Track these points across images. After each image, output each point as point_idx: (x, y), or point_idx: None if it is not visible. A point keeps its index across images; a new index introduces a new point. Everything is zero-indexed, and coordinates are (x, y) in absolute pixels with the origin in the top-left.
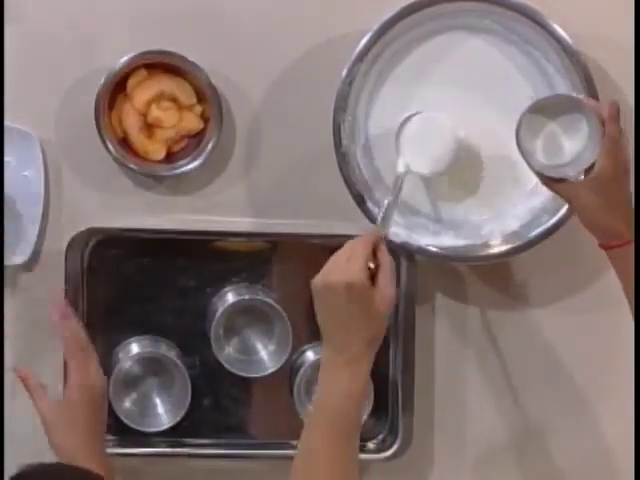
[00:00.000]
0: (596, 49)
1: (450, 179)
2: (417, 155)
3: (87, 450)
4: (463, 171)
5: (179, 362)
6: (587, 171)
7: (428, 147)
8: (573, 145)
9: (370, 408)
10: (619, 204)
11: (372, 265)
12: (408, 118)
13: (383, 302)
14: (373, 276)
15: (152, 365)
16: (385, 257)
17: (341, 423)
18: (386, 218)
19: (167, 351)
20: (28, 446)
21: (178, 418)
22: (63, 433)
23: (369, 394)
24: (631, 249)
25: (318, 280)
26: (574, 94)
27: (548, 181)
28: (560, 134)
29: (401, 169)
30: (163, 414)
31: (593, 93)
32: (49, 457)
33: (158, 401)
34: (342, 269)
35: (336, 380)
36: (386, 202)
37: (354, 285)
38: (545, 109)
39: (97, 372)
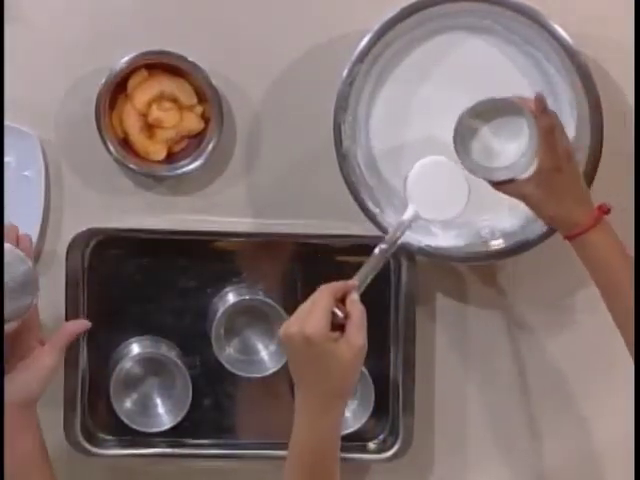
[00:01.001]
0: (596, 49)
1: None
2: (429, 202)
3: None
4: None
5: (180, 362)
6: (529, 167)
7: (440, 193)
8: (516, 146)
9: (371, 408)
10: (570, 192)
11: (340, 314)
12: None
13: (351, 351)
14: (344, 325)
15: (153, 365)
16: (354, 306)
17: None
18: (367, 271)
19: (168, 351)
20: None
21: (179, 418)
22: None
23: (369, 398)
24: (594, 234)
25: (281, 329)
26: (507, 97)
27: (497, 185)
28: (500, 136)
29: (408, 216)
30: (164, 414)
31: (594, 93)
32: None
33: (159, 401)
34: (301, 320)
35: (300, 426)
36: (377, 250)
37: (311, 337)
38: (484, 114)
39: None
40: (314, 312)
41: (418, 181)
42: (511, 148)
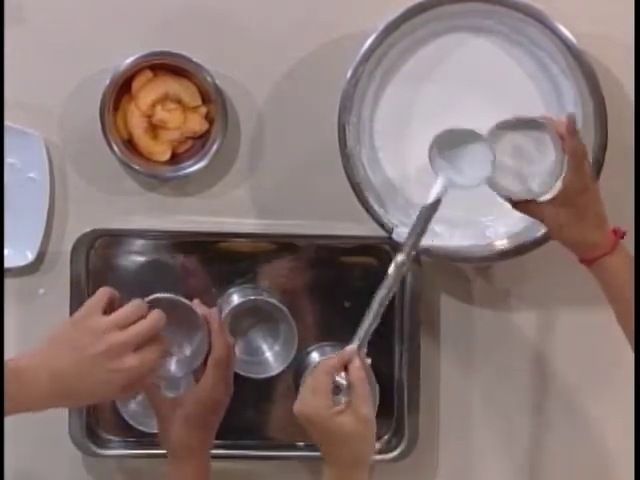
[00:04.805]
0: (600, 49)
1: None
2: (457, 170)
3: (201, 449)
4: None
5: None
6: (554, 188)
7: (467, 160)
8: (539, 165)
9: (376, 408)
10: (591, 215)
11: (344, 383)
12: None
13: (358, 422)
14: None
15: None
16: (355, 375)
17: None
18: (370, 320)
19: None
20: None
21: None
22: (178, 428)
23: (373, 398)
24: (613, 257)
25: (294, 407)
26: (528, 115)
27: (517, 204)
28: (523, 157)
29: (438, 188)
30: None
31: (598, 93)
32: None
33: None
34: (304, 401)
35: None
36: (391, 267)
37: (311, 418)
38: (505, 133)
39: (229, 388)
40: (318, 396)
41: (441, 151)
42: (534, 169)
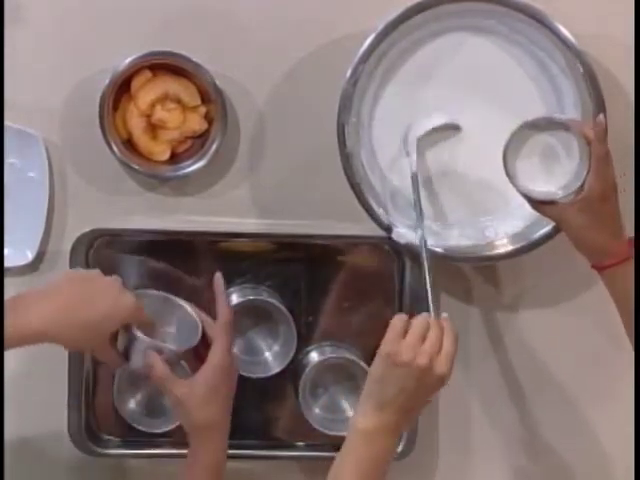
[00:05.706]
0: (600, 49)
1: (455, 180)
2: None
3: (224, 419)
4: (468, 171)
5: (183, 363)
6: (575, 192)
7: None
8: (563, 167)
9: None
10: (610, 223)
11: None
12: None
13: (440, 383)
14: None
15: None
16: (448, 341)
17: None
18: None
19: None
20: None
21: None
22: (199, 403)
23: None
24: (625, 267)
25: (400, 357)
26: (559, 116)
27: (536, 204)
28: (548, 158)
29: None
30: (167, 414)
31: (598, 93)
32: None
33: (163, 401)
34: (432, 361)
35: (370, 442)
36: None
37: (445, 378)
38: (533, 133)
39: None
40: (447, 355)
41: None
42: (557, 170)
